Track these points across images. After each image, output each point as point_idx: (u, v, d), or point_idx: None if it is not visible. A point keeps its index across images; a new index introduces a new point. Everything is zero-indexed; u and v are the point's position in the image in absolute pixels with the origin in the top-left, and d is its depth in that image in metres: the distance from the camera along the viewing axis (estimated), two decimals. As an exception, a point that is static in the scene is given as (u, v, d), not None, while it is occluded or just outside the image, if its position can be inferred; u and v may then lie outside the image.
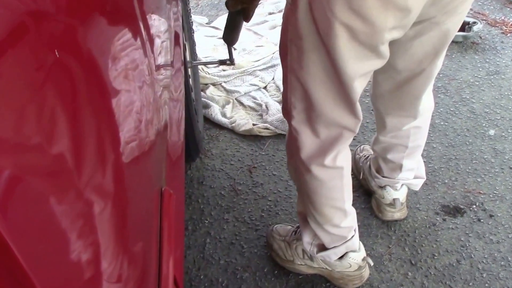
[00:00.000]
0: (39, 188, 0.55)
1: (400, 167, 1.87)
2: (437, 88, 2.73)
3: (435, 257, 1.89)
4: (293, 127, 1.43)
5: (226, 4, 1.47)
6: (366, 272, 1.79)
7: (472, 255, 1.89)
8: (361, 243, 1.77)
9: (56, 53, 0.63)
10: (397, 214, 2.00)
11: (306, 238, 1.71)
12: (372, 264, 1.78)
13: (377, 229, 1.99)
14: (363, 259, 1.75)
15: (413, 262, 1.87)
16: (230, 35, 1.67)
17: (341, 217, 1.61)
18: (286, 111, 1.43)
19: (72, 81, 0.67)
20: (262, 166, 2.28)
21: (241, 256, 1.91)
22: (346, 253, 1.71)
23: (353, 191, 2.08)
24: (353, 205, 2.02)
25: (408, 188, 2.00)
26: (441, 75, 2.82)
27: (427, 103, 1.69)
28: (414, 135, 1.77)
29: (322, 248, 1.71)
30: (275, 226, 1.92)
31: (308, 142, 1.44)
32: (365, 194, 2.11)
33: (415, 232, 1.98)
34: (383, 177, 1.94)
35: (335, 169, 1.49)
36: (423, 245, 1.93)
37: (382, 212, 2.01)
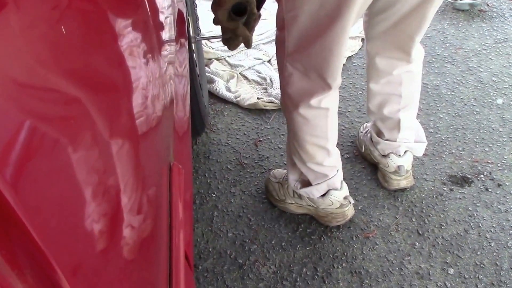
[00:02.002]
0: (50, 163, 0.55)
1: (398, 124, 1.88)
2: (443, 57, 2.71)
3: (442, 227, 1.89)
4: (286, 68, 1.54)
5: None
6: (349, 211, 1.89)
7: (480, 225, 1.89)
8: (344, 182, 1.84)
9: (63, 29, 0.63)
10: (403, 182, 2.00)
11: (292, 176, 1.84)
12: (352, 202, 1.87)
13: (384, 200, 1.99)
14: (345, 198, 1.83)
15: (420, 232, 1.88)
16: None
17: (324, 155, 1.71)
18: (281, 50, 1.53)
19: (79, 59, 0.67)
20: (268, 139, 2.28)
21: (248, 229, 1.92)
22: (328, 191, 1.80)
23: (359, 163, 2.12)
24: (358, 177, 2.04)
25: (414, 157, 2.00)
26: (447, 44, 2.80)
27: (419, 47, 1.75)
28: (407, 81, 1.79)
29: (306, 184, 1.82)
30: (273, 170, 2.06)
31: (297, 82, 1.55)
32: (371, 165, 2.11)
33: (422, 203, 1.98)
34: (385, 140, 1.95)
35: (320, 109, 1.59)
36: (430, 215, 1.93)
37: (388, 182, 2.01)
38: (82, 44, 0.69)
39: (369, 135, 2.06)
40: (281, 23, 1.46)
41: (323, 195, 1.82)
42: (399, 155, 1.95)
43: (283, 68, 1.56)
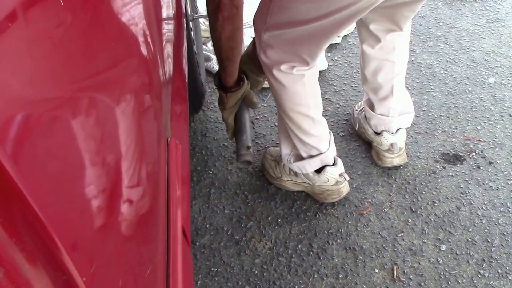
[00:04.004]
0: (50, 138, 0.56)
1: (391, 91, 1.91)
2: (436, 36, 2.73)
3: (435, 204, 1.93)
4: (263, 37, 1.56)
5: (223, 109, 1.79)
6: (344, 188, 1.92)
7: (472, 202, 1.93)
8: (339, 159, 1.87)
9: (62, 3, 0.63)
10: (396, 159, 2.03)
11: (285, 150, 1.87)
12: (348, 179, 1.89)
13: (378, 178, 2.03)
14: (340, 175, 1.86)
15: (413, 209, 1.91)
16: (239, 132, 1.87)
17: (310, 124, 1.74)
18: (261, 18, 1.55)
19: (77, 37, 0.67)
20: (264, 117, 2.30)
21: (245, 205, 1.95)
22: (324, 167, 1.84)
23: (353, 141, 2.14)
24: (353, 154, 2.07)
25: (407, 135, 2.03)
26: (441, 24, 2.82)
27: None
28: (399, 47, 1.83)
29: (299, 158, 1.85)
30: (269, 148, 2.09)
31: (272, 53, 1.59)
32: (365, 143, 2.14)
33: (415, 180, 2.01)
34: (378, 114, 1.98)
35: (293, 75, 1.62)
36: (423, 192, 1.97)
37: (382, 159, 2.04)
38: (78, 19, 0.68)
39: (363, 113, 2.08)
40: None
41: (319, 172, 1.84)
42: (392, 133, 1.98)
43: (260, 37, 1.58)
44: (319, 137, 1.79)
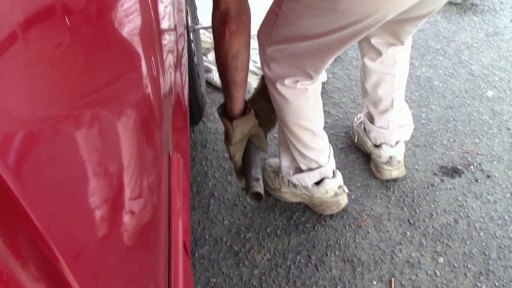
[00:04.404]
0: (53, 154, 0.57)
1: (391, 104, 1.92)
2: (435, 50, 2.75)
3: (433, 217, 1.94)
4: (267, 51, 1.55)
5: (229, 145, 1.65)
6: (343, 200, 1.93)
7: (470, 215, 1.94)
8: (338, 171, 1.88)
9: (67, 20, 0.64)
10: (394, 172, 2.04)
11: (285, 162, 1.87)
12: (347, 191, 1.90)
13: (376, 190, 2.04)
14: (339, 187, 1.87)
15: (411, 221, 1.92)
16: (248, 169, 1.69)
17: (311, 137, 1.74)
18: (266, 31, 1.53)
19: (79, 52, 0.67)
20: (264, 129, 2.31)
21: (244, 217, 1.96)
22: (323, 179, 1.84)
23: (352, 153, 2.15)
24: (352, 167, 2.08)
25: (406, 148, 2.04)
26: (440, 37, 2.84)
27: None
28: (400, 61, 1.83)
29: (298, 170, 1.86)
30: (268, 159, 2.09)
31: (275, 67, 1.58)
32: (364, 156, 2.15)
33: (414, 193, 2.03)
34: (378, 127, 1.99)
35: (296, 89, 1.61)
36: (421, 205, 1.98)
37: (380, 172, 2.05)
38: (81, 33, 0.69)
39: (362, 126, 2.10)
40: (279, 2, 1.42)
41: (318, 184, 1.85)
42: (391, 146, 2.00)
43: (264, 50, 1.56)
44: (319, 151, 1.79)
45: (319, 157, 1.80)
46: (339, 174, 1.88)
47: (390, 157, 1.99)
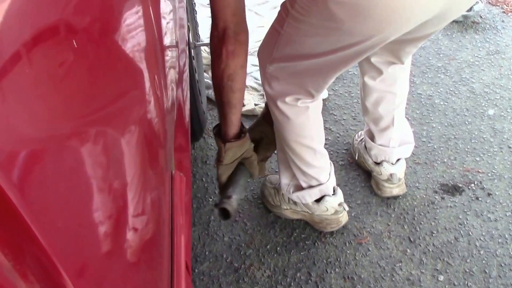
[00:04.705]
0: (57, 170, 0.57)
1: (392, 121, 1.92)
2: (437, 68, 2.75)
3: (433, 235, 1.93)
4: (268, 69, 1.55)
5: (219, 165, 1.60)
6: (343, 217, 1.93)
7: (470, 233, 1.94)
8: (339, 189, 1.89)
9: (74, 43, 0.65)
10: (395, 189, 2.04)
11: (284, 180, 1.86)
12: (347, 209, 1.90)
13: (377, 207, 2.04)
14: (340, 204, 1.88)
15: (411, 239, 1.92)
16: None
17: (312, 155, 1.74)
18: (267, 49, 1.53)
19: (81, 65, 0.67)
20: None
21: (244, 233, 1.96)
22: (323, 197, 1.84)
23: (353, 170, 2.16)
24: (352, 184, 2.08)
25: (406, 166, 2.05)
26: (441, 55, 2.85)
27: None
28: (400, 79, 1.84)
29: (298, 188, 1.85)
30: (268, 175, 2.08)
31: (276, 85, 1.58)
32: (365, 173, 2.15)
33: (414, 210, 2.02)
34: (378, 145, 1.99)
35: (298, 107, 1.61)
36: (422, 223, 1.98)
37: (381, 189, 2.05)
38: (85, 51, 0.69)
39: (363, 143, 2.10)
40: (282, 20, 1.41)
41: (318, 201, 1.85)
42: (392, 163, 2.00)
43: (265, 68, 1.56)
44: (320, 168, 1.80)
45: (320, 174, 1.80)
46: (339, 192, 1.89)
47: (391, 175, 2.00)
